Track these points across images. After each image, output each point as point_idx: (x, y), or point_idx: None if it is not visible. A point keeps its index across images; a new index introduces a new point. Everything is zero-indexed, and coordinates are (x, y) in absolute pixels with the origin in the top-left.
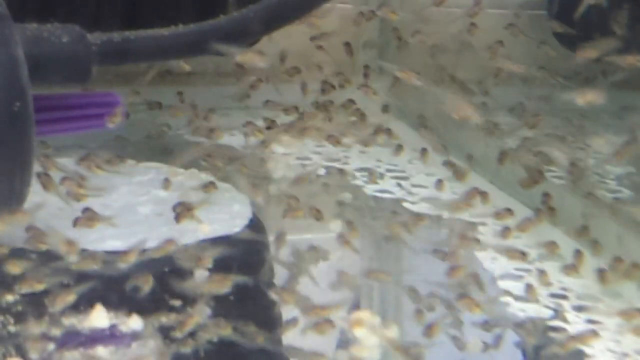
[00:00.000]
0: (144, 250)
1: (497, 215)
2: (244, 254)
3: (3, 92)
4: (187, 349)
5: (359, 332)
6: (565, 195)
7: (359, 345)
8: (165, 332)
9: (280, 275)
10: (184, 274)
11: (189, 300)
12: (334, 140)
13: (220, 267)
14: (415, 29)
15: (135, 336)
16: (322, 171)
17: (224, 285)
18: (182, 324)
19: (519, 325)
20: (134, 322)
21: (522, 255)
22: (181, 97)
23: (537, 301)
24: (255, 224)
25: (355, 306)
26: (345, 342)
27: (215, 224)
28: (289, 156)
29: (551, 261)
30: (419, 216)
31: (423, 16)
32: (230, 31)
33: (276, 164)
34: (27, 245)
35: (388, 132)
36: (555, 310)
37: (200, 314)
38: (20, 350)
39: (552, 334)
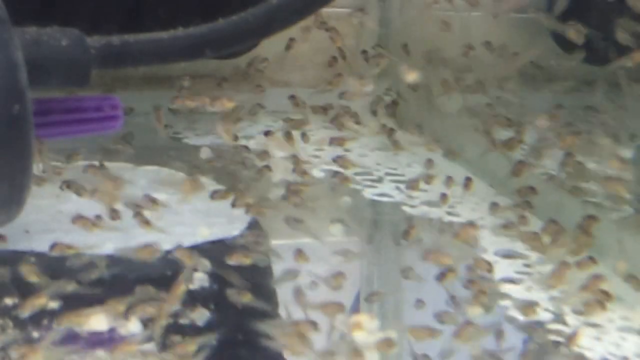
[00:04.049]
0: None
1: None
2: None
3: (2, 95)
4: None
5: (358, 336)
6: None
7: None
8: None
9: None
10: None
11: None
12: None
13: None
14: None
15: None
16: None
17: None
18: None
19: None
20: (133, 325)
21: None
22: None
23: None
24: (254, 227)
25: (355, 309)
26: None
27: (214, 227)
28: (288, 159)
29: None
30: None
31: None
32: (229, 34)
33: (275, 167)
34: None
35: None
36: (555, 313)
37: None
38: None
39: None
